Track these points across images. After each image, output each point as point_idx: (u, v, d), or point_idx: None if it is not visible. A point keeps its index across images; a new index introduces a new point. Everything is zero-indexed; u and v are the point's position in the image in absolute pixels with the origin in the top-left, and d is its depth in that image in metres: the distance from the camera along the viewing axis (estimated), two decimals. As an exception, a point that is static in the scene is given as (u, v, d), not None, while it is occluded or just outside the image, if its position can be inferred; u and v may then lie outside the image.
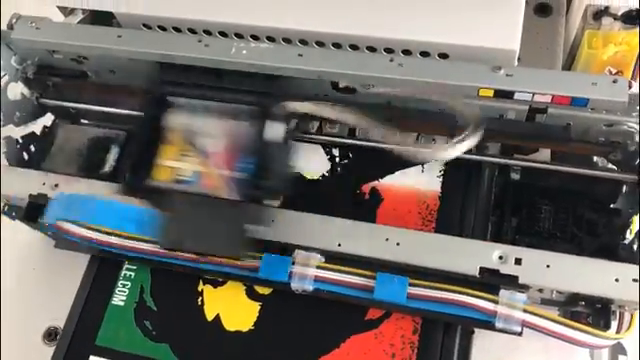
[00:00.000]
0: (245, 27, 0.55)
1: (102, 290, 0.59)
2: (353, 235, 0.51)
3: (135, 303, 0.57)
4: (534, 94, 0.46)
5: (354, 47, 0.53)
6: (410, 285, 0.49)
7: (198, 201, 0.51)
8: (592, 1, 0.54)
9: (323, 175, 0.60)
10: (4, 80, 0.60)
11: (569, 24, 0.62)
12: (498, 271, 0.48)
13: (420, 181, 0.58)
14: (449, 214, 0.56)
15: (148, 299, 0.58)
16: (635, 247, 0.49)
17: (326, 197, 0.56)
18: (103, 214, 0.55)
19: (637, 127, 0.47)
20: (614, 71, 0.50)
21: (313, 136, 0.59)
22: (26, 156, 0.64)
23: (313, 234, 0.52)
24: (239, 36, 0.55)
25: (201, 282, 0.57)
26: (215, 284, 0.57)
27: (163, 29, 0.58)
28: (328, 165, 0.60)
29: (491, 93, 0.47)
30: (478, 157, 0.55)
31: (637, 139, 0.48)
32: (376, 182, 0.58)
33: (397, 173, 0.58)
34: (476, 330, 0.54)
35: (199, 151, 0.52)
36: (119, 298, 0.58)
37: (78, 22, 0.60)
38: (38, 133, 0.64)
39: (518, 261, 0.48)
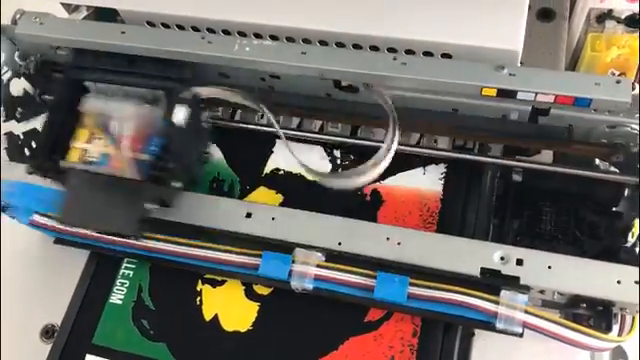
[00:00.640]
0: (248, 25, 0.55)
1: (100, 288, 0.58)
2: (354, 234, 0.51)
3: (133, 302, 0.57)
4: (537, 94, 0.46)
5: (357, 46, 0.53)
6: (410, 285, 0.49)
7: (99, 180, 0.53)
8: (595, 5, 0.54)
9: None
10: (6, 75, 0.60)
11: (572, 28, 0.62)
12: (499, 272, 0.48)
13: (422, 183, 0.57)
14: (450, 216, 0.56)
15: (146, 298, 0.57)
16: (637, 250, 0.48)
17: (327, 198, 0.55)
18: (22, 196, 0.57)
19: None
20: (617, 73, 0.50)
21: (315, 135, 0.59)
22: (27, 152, 0.63)
23: (314, 232, 0.52)
24: (242, 34, 0.55)
25: (200, 282, 0.57)
26: (214, 284, 0.57)
27: (166, 27, 0.58)
28: (329, 166, 0.60)
29: (494, 92, 0.47)
30: (480, 158, 0.54)
31: (639, 141, 0.47)
32: (377, 183, 0.58)
33: (399, 174, 0.58)
34: (476, 332, 0.53)
35: (110, 134, 0.54)
36: (117, 297, 0.58)
37: (82, 19, 0.60)
38: (40, 129, 0.64)
39: (519, 262, 0.48)
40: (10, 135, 0.61)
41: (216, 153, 0.62)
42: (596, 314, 0.47)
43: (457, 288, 0.48)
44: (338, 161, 0.60)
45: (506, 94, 0.47)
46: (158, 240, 0.54)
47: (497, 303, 0.47)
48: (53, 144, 0.56)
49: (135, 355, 0.55)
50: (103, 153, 0.54)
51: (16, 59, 0.60)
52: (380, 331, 0.52)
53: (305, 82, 0.53)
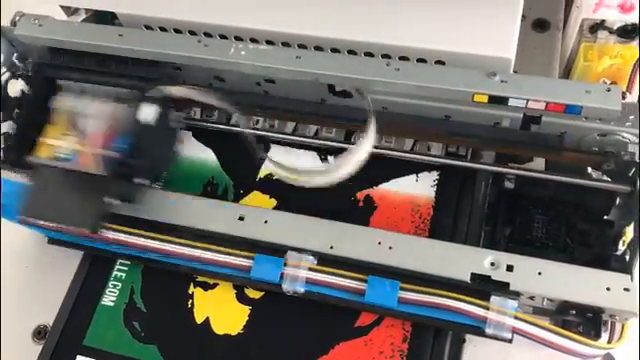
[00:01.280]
0: (245, 30, 0.55)
1: (92, 290, 0.58)
2: (346, 238, 0.51)
3: (125, 304, 0.57)
4: (528, 100, 0.46)
5: (352, 52, 0.53)
6: (401, 289, 0.49)
7: (64, 175, 0.54)
8: (588, 15, 0.55)
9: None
10: (5, 76, 0.60)
11: (566, 39, 0.62)
12: (489, 277, 0.48)
13: (414, 189, 0.58)
14: (442, 223, 0.56)
15: (138, 300, 0.57)
16: (627, 258, 0.49)
17: (320, 203, 0.56)
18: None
19: (631, 137, 0.47)
20: (609, 82, 0.50)
21: (310, 140, 0.59)
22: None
23: (306, 236, 0.52)
24: (239, 39, 0.56)
25: (192, 285, 0.57)
26: (206, 287, 0.57)
27: (164, 30, 0.59)
28: (323, 171, 0.60)
29: (485, 99, 0.47)
30: (472, 165, 0.55)
31: (630, 149, 0.48)
32: (370, 189, 0.58)
33: (392, 181, 0.58)
34: (467, 339, 0.54)
35: (80, 131, 0.55)
36: (109, 298, 0.58)
37: (81, 22, 0.61)
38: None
39: (510, 268, 0.48)
40: (7, 136, 0.61)
41: (210, 157, 0.63)
42: (585, 321, 0.47)
43: (447, 293, 0.48)
44: (332, 166, 0.60)
45: (498, 100, 0.47)
46: (152, 239, 0.54)
47: (487, 309, 0.47)
48: (25, 140, 0.57)
49: (126, 357, 0.55)
50: (72, 149, 0.55)
51: (15, 60, 0.61)
52: (370, 336, 0.52)
53: (300, 87, 0.54)
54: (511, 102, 0.46)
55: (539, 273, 0.47)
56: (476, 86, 0.47)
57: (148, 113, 0.54)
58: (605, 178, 0.52)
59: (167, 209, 0.55)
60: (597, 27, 0.55)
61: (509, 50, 0.50)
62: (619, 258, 0.50)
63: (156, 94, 0.55)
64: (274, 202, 0.59)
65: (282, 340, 0.54)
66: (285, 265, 0.51)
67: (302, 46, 0.54)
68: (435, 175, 0.58)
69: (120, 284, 0.58)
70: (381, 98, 0.52)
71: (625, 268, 0.48)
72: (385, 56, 0.52)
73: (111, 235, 0.55)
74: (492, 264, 0.48)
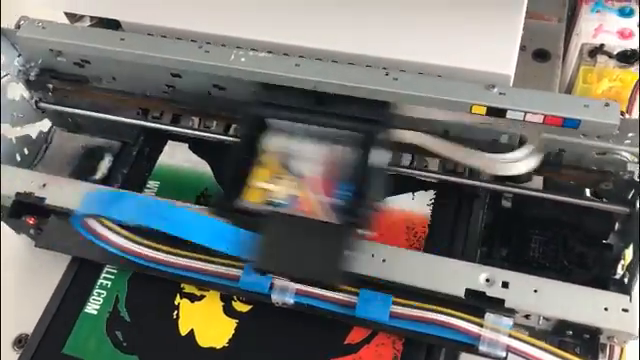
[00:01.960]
0: (246, 41, 0.56)
1: (76, 298, 0.57)
2: (339, 249, 0.50)
3: (108, 312, 0.55)
4: (526, 113, 0.46)
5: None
6: (394, 303, 0.48)
7: (296, 224, 0.49)
8: (588, 40, 0.55)
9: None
10: (5, 79, 0.60)
11: (566, 66, 0.63)
12: (484, 293, 0.47)
13: (410, 207, 0.57)
14: (437, 242, 0.55)
15: (122, 309, 0.56)
16: (626, 280, 0.47)
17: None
18: (191, 227, 0.51)
19: (629, 156, 0.47)
20: (608, 104, 0.50)
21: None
22: (19, 157, 0.63)
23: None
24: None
25: (178, 296, 0.55)
26: (193, 299, 0.55)
27: (166, 39, 0.59)
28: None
29: (483, 110, 0.47)
30: (470, 182, 0.54)
31: (630, 168, 0.47)
32: None
33: (388, 198, 0.57)
34: (460, 362, 0.52)
35: (294, 174, 0.51)
36: (92, 307, 0.56)
37: (85, 28, 0.62)
38: (34, 137, 0.65)
39: (505, 284, 0.47)
40: (2, 138, 0.61)
41: (205, 168, 0.62)
42: (582, 342, 0.46)
43: (441, 309, 0.47)
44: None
45: (495, 112, 0.47)
46: (141, 245, 0.53)
47: (481, 325, 0.46)
48: (236, 183, 0.52)
49: (106, 367, 0.53)
50: (289, 194, 0.51)
51: (16, 64, 0.61)
52: (360, 354, 0.51)
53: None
54: (509, 114, 0.46)
55: (535, 291, 0.46)
56: (474, 97, 0.47)
57: (380, 158, 0.50)
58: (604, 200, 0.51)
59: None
60: (596, 51, 0.55)
61: (508, 67, 0.50)
62: (617, 281, 0.49)
63: (384, 138, 0.50)
64: (268, 215, 0.58)
65: (268, 355, 0.52)
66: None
67: (301, 57, 0.54)
68: (431, 194, 0.57)
69: (105, 292, 0.57)
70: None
71: (624, 289, 0.46)
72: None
73: (150, 253, 0.53)
74: (487, 280, 0.47)
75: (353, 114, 0.51)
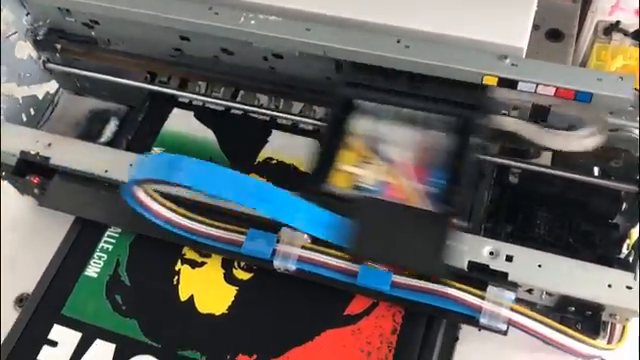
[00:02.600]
0: (256, 5, 0.55)
1: (77, 260, 0.57)
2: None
3: (109, 276, 0.55)
4: (538, 85, 0.45)
5: (363, 32, 0.53)
6: (396, 273, 0.47)
7: (394, 210, 0.47)
8: (603, 17, 0.54)
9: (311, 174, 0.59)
10: (13, 37, 0.60)
11: (579, 44, 0.62)
12: (487, 266, 0.46)
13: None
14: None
15: (122, 273, 0.55)
16: (631, 260, 0.47)
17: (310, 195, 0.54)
18: (287, 208, 0.48)
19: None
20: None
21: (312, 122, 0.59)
22: (24, 117, 0.63)
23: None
24: (250, 13, 0.56)
25: (180, 261, 0.55)
26: (194, 265, 0.55)
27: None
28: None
29: (495, 81, 0.46)
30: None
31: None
32: None
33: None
34: (460, 337, 0.51)
35: (383, 159, 0.50)
36: (93, 269, 0.56)
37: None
38: (40, 97, 0.64)
39: (509, 258, 0.46)
40: (9, 97, 0.61)
41: (210, 137, 0.62)
42: (584, 319, 0.45)
43: (442, 280, 0.46)
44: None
45: (507, 83, 0.46)
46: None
47: (483, 298, 0.45)
48: (326, 166, 0.51)
49: (104, 329, 0.53)
50: (378, 180, 0.50)
51: (24, 22, 0.60)
52: (359, 325, 0.50)
53: (307, 64, 0.53)
54: (520, 86, 0.46)
55: (539, 265, 0.46)
56: (486, 68, 0.46)
57: (473, 146, 0.47)
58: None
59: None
60: (612, 29, 0.54)
61: (522, 39, 0.49)
62: (623, 261, 0.48)
63: (482, 124, 0.48)
64: (272, 186, 0.58)
65: (267, 323, 0.51)
66: (278, 242, 0.50)
67: (312, 25, 0.54)
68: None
69: (106, 256, 0.56)
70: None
71: (629, 268, 0.46)
72: (396, 38, 0.52)
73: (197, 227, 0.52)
74: (491, 253, 0.47)
75: (449, 98, 0.49)
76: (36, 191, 0.59)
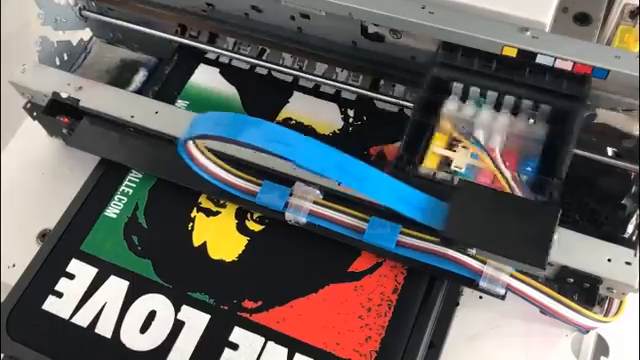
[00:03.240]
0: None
1: (98, 200, 0.59)
2: (355, 177, 0.50)
3: (127, 217, 0.58)
4: (556, 58, 0.46)
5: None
6: (401, 233, 0.49)
7: (493, 197, 0.46)
8: (630, 0, 0.54)
9: (334, 132, 0.60)
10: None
11: (605, 29, 0.62)
12: (492, 233, 0.47)
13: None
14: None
15: (140, 216, 0.58)
16: (635, 238, 0.48)
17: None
18: (376, 187, 0.46)
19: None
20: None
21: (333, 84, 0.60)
22: (58, 61, 0.65)
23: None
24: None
25: (195, 209, 0.57)
26: (208, 214, 0.57)
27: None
28: (341, 124, 0.61)
29: (514, 52, 0.47)
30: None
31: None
32: (384, 146, 0.58)
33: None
34: (460, 303, 0.53)
35: (475, 144, 0.49)
36: (112, 210, 0.58)
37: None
38: (74, 44, 0.66)
39: (514, 226, 0.47)
40: (45, 39, 0.63)
41: (233, 94, 0.64)
42: (581, 290, 0.46)
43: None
44: (350, 120, 0.61)
45: (526, 55, 0.47)
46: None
47: (484, 263, 0.47)
48: (416, 147, 0.51)
49: (119, 267, 0.55)
50: (469, 164, 0.50)
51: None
52: (361, 282, 0.52)
53: (333, 26, 0.54)
54: (539, 59, 0.46)
55: (542, 235, 0.47)
56: (507, 38, 0.47)
57: (573, 137, 0.47)
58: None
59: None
60: (637, 12, 0.54)
61: (546, 15, 0.50)
62: (626, 240, 0.49)
63: (585, 116, 0.48)
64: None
65: (274, 273, 0.53)
66: (291, 195, 0.51)
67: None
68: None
69: (126, 198, 0.59)
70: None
71: (631, 245, 0.47)
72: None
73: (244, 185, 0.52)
74: (496, 221, 0.48)
75: (551, 87, 0.48)
76: (65, 131, 0.62)
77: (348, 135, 0.60)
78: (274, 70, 0.63)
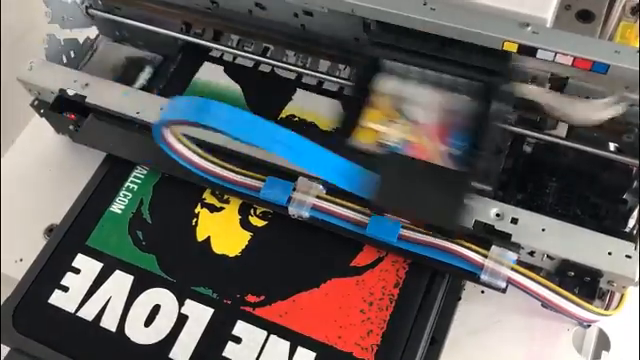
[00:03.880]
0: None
1: (103, 196, 0.59)
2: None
3: (132, 213, 0.58)
4: (556, 53, 0.46)
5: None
6: (403, 228, 0.49)
7: (417, 166, 0.49)
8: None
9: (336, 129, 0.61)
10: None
11: (606, 26, 0.62)
12: (493, 227, 0.48)
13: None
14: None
15: (145, 212, 0.58)
16: (635, 232, 0.48)
17: (334, 149, 0.56)
18: (312, 157, 0.48)
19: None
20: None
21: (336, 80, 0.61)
22: (65, 59, 0.66)
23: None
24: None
25: (199, 205, 0.58)
26: (212, 209, 0.57)
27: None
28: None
29: (515, 47, 0.47)
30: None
31: None
32: None
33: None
34: (462, 297, 0.53)
35: (408, 119, 0.51)
36: (118, 206, 0.59)
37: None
38: (81, 42, 0.67)
39: (514, 220, 0.48)
40: (52, 37, 0.64)
41: (237, 91, 0.64)
42: (582, 284, 0.46)
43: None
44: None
45: (526, 51, 0.47)
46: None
47: (486, 257, 0.47)
48: (349, 122, 0.53)
49: (124, 262, 0.55)
50: (401, 138, 0.51)
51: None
52: (363, 277, 0.52)
53: (335, 23, 0.55)
54: (539, 54, 0.47)
55: (543, 229, 0.47)
56: (507, 34, 0.47)
57: (494, 111, 0.49)
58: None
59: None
60: (639, 8, 0.55)
61: (546, 11, 0.50)
62: (627, 235, 0.49)
63: (507, 91, 0.50)
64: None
65: (277, 268, 0.54)
66: (294, 190, 0.52)
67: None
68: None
69: (131, 194, 0.59)
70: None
71: (632, 239, 0.47)
72: (423, 5, 0.53)
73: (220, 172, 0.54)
74: (497, 215, 0.48)
75: (474, 63, 0.50)
76: (71, 127, 0.62)
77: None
78: (277, 67, 0.63)
